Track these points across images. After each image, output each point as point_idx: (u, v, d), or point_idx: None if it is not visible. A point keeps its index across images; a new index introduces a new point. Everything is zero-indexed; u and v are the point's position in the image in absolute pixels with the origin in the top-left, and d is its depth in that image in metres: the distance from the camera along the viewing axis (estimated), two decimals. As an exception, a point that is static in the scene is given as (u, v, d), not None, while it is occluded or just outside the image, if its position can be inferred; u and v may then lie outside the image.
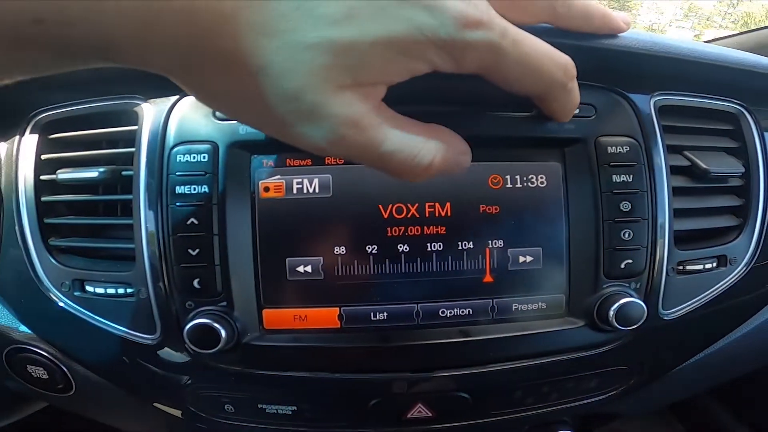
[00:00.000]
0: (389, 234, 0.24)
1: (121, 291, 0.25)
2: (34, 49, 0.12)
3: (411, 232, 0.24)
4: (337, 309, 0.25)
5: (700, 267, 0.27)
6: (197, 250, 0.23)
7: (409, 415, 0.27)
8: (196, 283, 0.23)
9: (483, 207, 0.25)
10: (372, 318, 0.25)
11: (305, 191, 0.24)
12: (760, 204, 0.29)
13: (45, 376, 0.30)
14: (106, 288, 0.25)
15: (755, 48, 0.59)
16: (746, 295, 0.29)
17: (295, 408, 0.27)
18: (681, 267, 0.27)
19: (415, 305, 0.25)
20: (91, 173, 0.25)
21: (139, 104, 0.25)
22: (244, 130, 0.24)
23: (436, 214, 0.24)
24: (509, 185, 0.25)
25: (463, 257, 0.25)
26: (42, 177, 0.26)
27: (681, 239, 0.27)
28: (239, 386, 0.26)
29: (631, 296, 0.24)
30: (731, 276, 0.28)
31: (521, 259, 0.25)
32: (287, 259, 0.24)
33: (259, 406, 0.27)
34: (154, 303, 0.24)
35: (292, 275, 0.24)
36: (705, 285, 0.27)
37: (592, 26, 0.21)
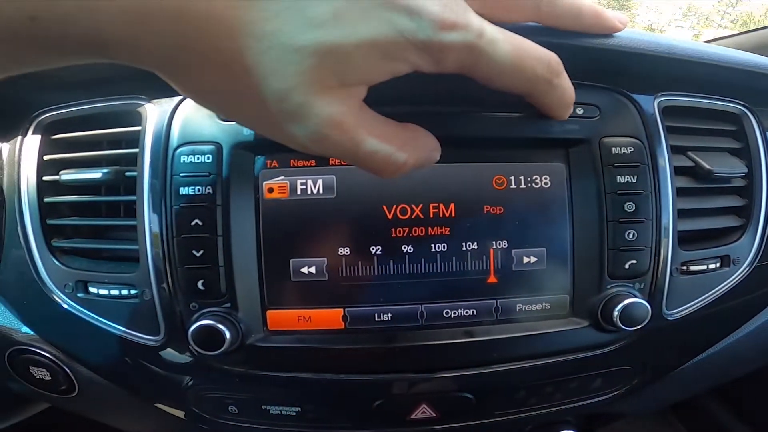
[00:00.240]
0: (393, 235, 0.24)
1: (124, 292, 0.25)
2: (28, 45, 0.13)
3: (415, 232, 0.24)
4: (342, 310, 0.25)
5: (704, 267, 0.27)
6: (201, 252, 0.23)
7: (413, 416, 0.27)
8: (200, 284, 0.23)
9: (487, 208, 0.25)
10: (376, 319, 0.25)
11: (309, 192, 0.24)
12: (763, 204, 0.29)
13: (48, 378, 0.30)
14: (109, 289, 0.25)
15: (755, 48, 0.59)
16: (749, 294, 0.29)
17: (300, 409, 0.27)
18: (685, 267, 0.27)
19: (420, 306, 0.25)
20: (95, 174, 0.25)
21: (143, 105, 0.25)
22: (248, 131, 0.24)
23: (441, 215, 0.24)
24: (513, 186, 0.25)
25: (467, 258, 0.25)
26: (45, 178, 0.26)
27: (684, 239, 0.27)
28: (243, 387, 0.26)
29: (635, 296, 0.24)
30: (734, 276, 0.28)
31: (525, 259, 0.25)
32: (291, 260, 0.24)
33: (263, 407, 0.27)
34: (158, 304, 0.24)
35: (296, 276, 0.24)
36: (708, 285, 0.27)
37: (583, 25, 0.21)
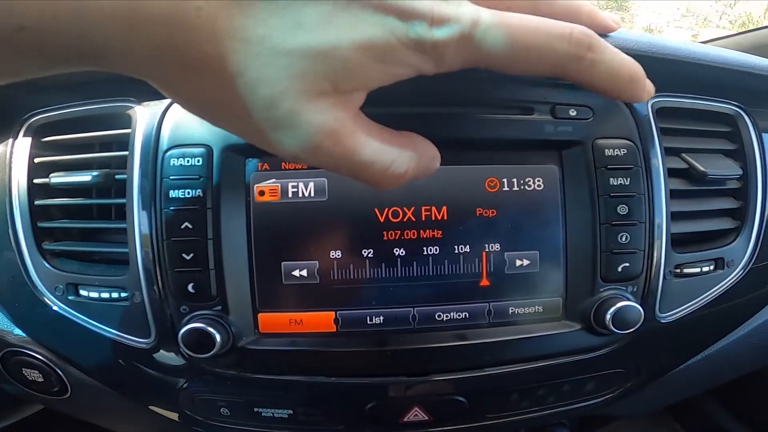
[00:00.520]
0: (385, 238, 0.24)
1: (115, 295, 0.25)
2: (16, 55, 0.13)
3: (407, 235, 0.24)
4: (333, 313, 0.25)
5: (698, 270, 0.27)
6: (191, 255, 0.23)
7: (405, 419, 0.27)
8: (190, 287, 0.23)
9: (480, 210, 0.25)
10: (368, 322, 0.25)
11: (300, 195, 0.24)
12: (757, 206, 0.28)
13: (40, 379, 0.29)
14: (100, 292, 0.25)
15: (751, 48, 0.59)
16: (743, 297, 0.29)
17: (291, 412, 0.27)
18: (678, 270, 0.26)
19: (412, 309, 0.25)
20: (85, 177, 0.25)
21: (133, 107, 0.25)
22: None
23: (433, 218, 0.24)
24: (506, 188, 0.25)
25: (460, 261, 0.25)
26: (35, 180, 0.26)
27: (678, 242, 0.27)
28: (235, 390, 0.26)
29: (628, 300, 0.24)
30: (728, 279, 0.28)
31: (518, 262, 0.25)
32: (282, 263, 0.24)
33: (255, 409, 0.27)
34: (148, 307, 0.24)
35: (287, 279, 0.24)
36: (702, 288, 0.27)
37: (579, 24, 0.21)
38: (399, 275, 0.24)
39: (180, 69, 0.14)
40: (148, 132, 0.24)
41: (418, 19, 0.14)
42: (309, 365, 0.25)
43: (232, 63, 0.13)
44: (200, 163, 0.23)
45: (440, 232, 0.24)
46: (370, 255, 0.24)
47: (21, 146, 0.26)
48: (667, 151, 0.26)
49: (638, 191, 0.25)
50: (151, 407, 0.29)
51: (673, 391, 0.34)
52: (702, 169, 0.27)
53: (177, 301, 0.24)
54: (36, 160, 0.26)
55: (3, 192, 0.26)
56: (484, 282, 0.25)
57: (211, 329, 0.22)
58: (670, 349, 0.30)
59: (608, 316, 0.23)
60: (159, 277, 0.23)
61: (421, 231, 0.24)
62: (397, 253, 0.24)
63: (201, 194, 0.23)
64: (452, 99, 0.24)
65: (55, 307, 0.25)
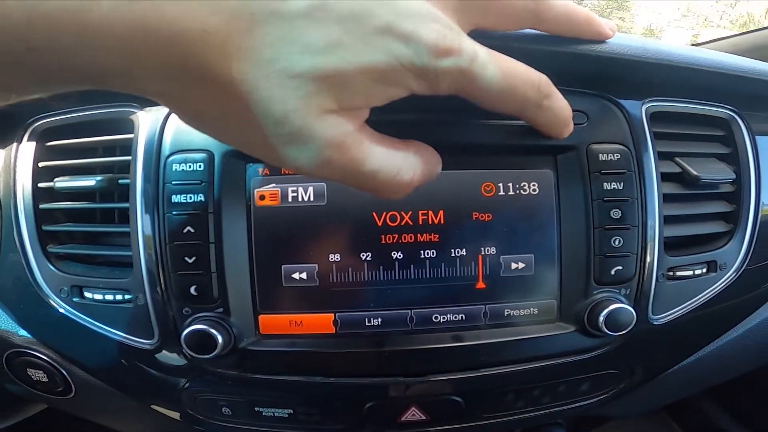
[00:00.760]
0: (383, 241, 0.25)
1: (119, 297, 0.25)
2: (26, 74, 0.13)
3: (405, 239, 0.25)
4: (332, 315, 0.25)
5: (690, 273, 0.27)
6: (194, 258, 0.23)
7: (403, 419, 0.28)
8: (192, 289, 0.24)
9: (476, 214, 0.25)
10: (366, 323, 0.25)
11: (300, 199, 0.24)
12: (750, 210, 0.29)
13: (45, 379, 0.30)
14: (104, 294, 0.25)
15: (750, 49, 0.59)
16: (736, 299, 0.30)
17: (292, 411, 0.27)
18: (671, 273, 0.27)
19: (409, 311, 0.25)
20: (89, 182, 0.25)
21: (135, 113, 0.26)
22: None
23: (430, 222, 0.25)
24: (502, 193, 0.25)
25: (456, 264, 0.25)
26: (40, 184, 0.27)
27: (671, 245, 0.27)
28: (236, 390, 0.27)
29: (621, 302, 0.24)
30: (721, 281, 0.28)
31: (513, 265, 0.25)
32: (283, 266, 0.25)
33: (256, 409, 0.27)
34: (151, 309, 0.25)
35: (287, 282, 0.25)
36: (695, 290, 0.28)
37: (576, 30, 0.22)
38: (397, 278, 0.25)
39: (189, 89, 0.14)
40: (151, 137, 0.24)
41: (423, 47, 0.14)
42: (308, 366, 0.25)
43: (243, 84, 0.13)
44: (202, 168, 0.23)
45: (437, 235, 0.25)
46: (368, 258, 0.25)
47: (25, 150, 0.27)
48: (661, 156, 0.27)
49: (631, 196, 0.25)
50: (154, 406, 0.30)
51: (668, 391, 0.34)
52: (695, 173, 0.27)
53: (180, 303, 0.24)
54: (40, 165, 0.27)
55: (8, 196, 0.27)
56: (480, 284, 0.25)
57: (213, 331, 0.23)
58: (664, 351, 0.30)
59: (601, 318, 0.24)
60: (162, 280, 0.24)
61: (419, 235, 0.25)
62: (394, 256, 0.25)
63: (203, 199, 0.23)
64: (448, 105, 0.24)
65: (60, 309, 0.26)
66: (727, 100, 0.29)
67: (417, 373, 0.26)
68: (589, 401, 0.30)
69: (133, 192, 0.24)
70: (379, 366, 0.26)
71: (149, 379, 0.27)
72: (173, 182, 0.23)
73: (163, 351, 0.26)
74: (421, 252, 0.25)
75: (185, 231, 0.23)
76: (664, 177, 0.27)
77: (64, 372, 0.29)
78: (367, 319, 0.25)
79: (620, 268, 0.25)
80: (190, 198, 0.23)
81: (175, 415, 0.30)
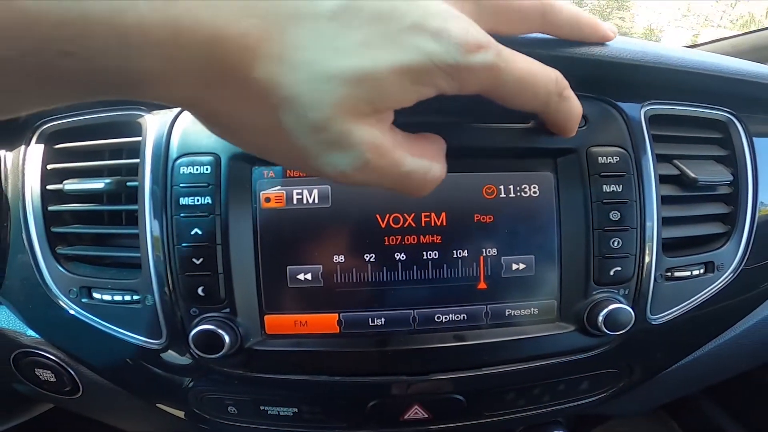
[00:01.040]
0: (386, 243, 0.25)
1: (127, 298, 0.26)
2: (56, 81, 0.12)
3: (408, 240, 0.25)
4: (337, 315, 0.25)
5: (688, 273, 0.28)
6: (201, 259, 0.24)
7: (406, 417, 0.28)
8: (200, 290, 0.24)
9: (477, 216, 0.25)
10: (370, 323, 0.26)
11: (305, 202, 0.25)
12: (748, 211, 0.29)
13: (53, 379, 0.30)
14: (113, 295, 0.26)
15: (750, 50, 0.59)
16: (733, 300, 0.30)
17: (296, 410, 0.28)
18: (669, 273, 0.27)
19: (412, 311, 0.26)
20: (97, 184, 0.26)
21: (143, 116, 0.26)
22: None
23: (432, 224, 0.25)
24: (503, 195, 0.26)
25: (458, 265, 0.26)
26: (48, 187, 0.27)
27: (669, 246, 0.28)
28: (242, 389, 0.27)
29: (620, 302, 0.25)
30: (718, 282, 0.29)
31: (514, 266, 0.26)
32: (288, 267, 0.25)
33: (261, 407, 0.28)
34: (159, 310, 0.25)
35: (292, 282, 0.25)
36: (693, 291, 0.28)
37: (582, 34, 0.22)
38: (400, 278, 0.25)
39: (225, 97, 0.14)
40: (159, 140, 0.25)
41: (454, 44, 0.14)
42: (313, 365, 0.26)
43: (279, 89, 0.13)
44: (209, 171, 0.24)
45: (439, 237, 0.25)
46: (371, 259, 0.25)
47: (34, 153, 0.27)
48: (659, 158, 0.27)
49: (630, 198, 0.25)
50: (159, 405, 0.30)
51: (666, 390, 0.35)
52: (693, 175, 0.27)
53: (187, 303, 0.24)
54: (49, 167, 0.27)
55: (17, 197, 0.27)
56: (482, 285, 0.26)
57: (220, 331, 0.23)
58: (662, 350, 0.30)
59: (600, 318, 0.24)
60: (170, 281, 0.24)
61: (421, 236, 0.25)
62: (397, 258, 0.25)
63: (210, 201, 0.24)
64: (451, 109, 0.25)
65: (70, 310, 0.26)
66: (725, 102, 0.30)
67: (419, 372, 0.26)
68: (589, 400, 0.30)
69: (142, 194, 0.25)
70: (382, 365, 0.26)
71: (155, 379, 0.28)
72: (181, 185, 0.24)
73: (170, 351, 0.26)
74: (424, 253, 0.25)
75: (193, 233, 0.24)
76: (663, 179, 0.27)
77: (71, 372, 0.30)
78: (370, 319, 0.26)
79: (619, 268, 0.25)
80: (198, 200, 0.24)
81: (181, 414, 0.30)
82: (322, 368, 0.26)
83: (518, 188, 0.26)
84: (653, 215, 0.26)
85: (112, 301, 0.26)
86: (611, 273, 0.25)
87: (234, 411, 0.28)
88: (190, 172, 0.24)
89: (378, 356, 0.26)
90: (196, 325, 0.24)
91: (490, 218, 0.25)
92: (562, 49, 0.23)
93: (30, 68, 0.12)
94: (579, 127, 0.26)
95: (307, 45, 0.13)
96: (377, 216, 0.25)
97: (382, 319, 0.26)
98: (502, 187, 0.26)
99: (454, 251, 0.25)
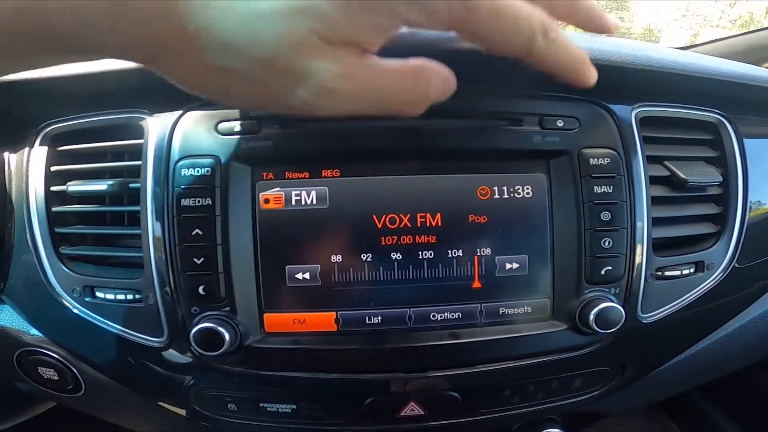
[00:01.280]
0: (383, 243, 0.26)
1: (129, 297, 0.26)
2: (14, 39, 0.14)
3: (403, 240, 0.26)
4: (334, 313, 0.26)
5: (678, 273, 0.28)
6: (202, 259, 0.24)
7: (402, 413, 0.29)
8: (201, 289, 0.25)
9: (472, 217, 0.26)
10: (367, 322, 0.26)
11: (303, 203, 0.25)
12: (738, 212, 0.30)
13: (55, 378, 0.31)
14: (115, 294, 0.26)
15: (746, 50, 0.60)
16: (725, 298, 0.31)
17: (295, 406, 0.28)
18: (659, 273, 0.28)
19: (408, 309, 0.26)
20: (100, 186, 0.26)
21: (145, 118, 0.27)
22: (245, 144, 0.25)
23: (428, 224, 0.26)
24: (497, 196, 0.26)
25: (453, 264, 0.26)
26: (52, 188, 0.27)
27: (660, 246, 0.28)
28: (242, 386, 0.28)
29: (611, 301, 0.25)
30: (708, 281, 0.29)
31: (508, 266, 0.26)
32: (287, 267, 0.26)
33: (261, 404, 0.28)
34: (161, 308, 0.26)
35: (291, 282, 0.26)
36: (683, 290, 0.29)
37: (590, 22, 0.20)
38: (396, 278, 0.26)
39: (170, 53, 0.14)
40: (160, 142, 0.25)
41: None
42: (311, 362, 0.26)
43: (215, 32, 0.14)
44: (209, 173, 0.24)
45: (434, 237, 0.26)
46: (368, 259, 0.26)
47: (37, 155, 0.28)
48: (650, 159, 0.28)
49: (620, 199, 0.26)
50: (161, 403, 0.31)
51: (660, 388, 0.35)
52: (683, 176, 0.28)
53: (188, 302, 0.25)
54: (52, 169, 0.28)
55: (21, 199, 0.28)
56: (476, 284, 0.26)
57: (220, 328, 0.24)
58: (654, 348, 0.31)
59: (592, 316, 0.25)
60: (171, 280, 0.25)
61: (417, 236, 0.26)
62: (394, 257, 0.26)
63: (210, 202, 0.24)
64: (446, 112, 0.26)
65: (73, 309, 0.27)
66: (716, 104, 0.30)
67: (416, 370, 0.27)
68: (582, 397, 0.31)
69: (144, 196, 0.25)
70: (379, 363, 0.27)
71: (156, 377, 0.28)
72: (182, 186, 0.24)
73: (171, 349, 0.27)
74: (420, 253, 0.26)
75: (194, 233, 0.24)
76: (653, 180, 0.28)
77: (74, 370, 0.30)
78: (367, 318, 0.26)
79: (610, 268, 0.26)
80: (199, 201, 0.24)
81: (182, 412, 0.31)
82: (320, 366, 0.27)
83: (512, 189, 0.26)
84: (643, 216, 0.27)
85: (115, 300, 0.26)
86: (602, 272, 0.26)
87: (234, 408, 0.29)
88: (192, 174, 0.25)
89: (375, 354, 0.26)
90: (196, 324, 0.24)
91: (484, 219, 0.26)
92: None
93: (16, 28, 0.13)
94: (571, 129, 0.27)
95: None
96: (374, 217, 0.26)
97: (379, 318, 0.26)
98: (495, 188, 0.26)
99: (449, 251, 0.26)
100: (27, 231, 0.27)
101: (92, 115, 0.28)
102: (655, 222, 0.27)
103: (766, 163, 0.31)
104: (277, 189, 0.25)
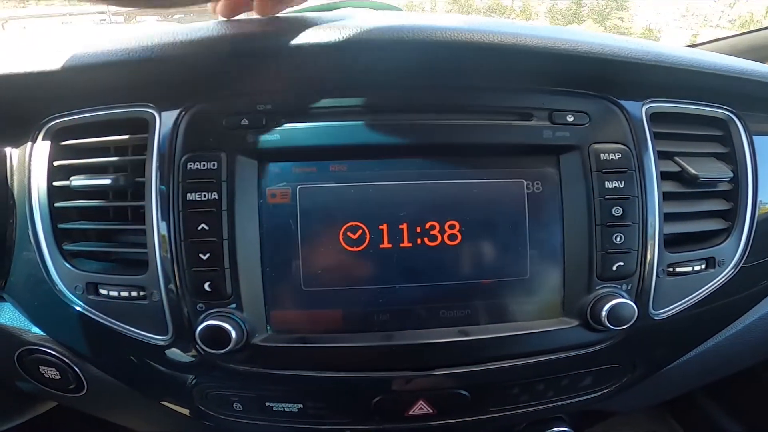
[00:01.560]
0: (392, 240, 0.25)
1: (134, 294, 0.26)
2: None
3: (413, 237, 0.25)
4: (342, 311, 0.26)
5: (689, 269, 0.28)
6: (208, 255, 0.24)
7: (411, 412, 0.28)
8: (206, 286, 0.24)
9: (481, 213, 0.26)
10: (375, 319, 0.26)
11: (310, 198, 0.25)
12: (748, 207, 0.30)
13: (57, 377, 0.30)
14: (119, 291, 0.26)
15: (747, 50, 0.60)
16: (735, 295, 0.30)
17: (302, 405, 0.28)
18: (671, 269, 0.28)
19: (417, 307, 0.26)
20: (105, 180, 0.26)
21: (149, 113, 0.26)
22: (251, 138, 0.24)
23: (437, 222, 0.25)
24: (507, 191, 0.26)
25: (462, 261, 0.26)
26: (55, 183, 0.27)
27: (671, 242, 0.28)
28: (248, 385, 0.27)
29: (623, 297, 0.25)
30: (720, 277, 0.29)
31: (518, 261, 0.26)
32: (294, 263, 0.25)
33: (267, 404, 0.28)
34: (166, 305, 0.25)
35: (298, 279, 0.25)
36: (694, 286, 0.28)
37: None
38: (405, 276, 0.25)
39: None
40: (165, 137, 0.25)
41: None
42: (318, 361, 0.26)
43: None
44: (215, 167, 0.24)
45: (445, 234, 0.25)
46: (377, 256, 0.25)
47: (40, 150, 0.27)
48: (661, 155, 0.28)
49: (632, 194, 0.26)
50: (163, 403, 0.30)
51: (669, 386, 0.35)
52: (694, 172, 0.28)
53: (194, 299, 0.25)
54: (55, 164, 0.27)
55: (22, 194, 0.27)
56: (486, 281, 0.26)
57: (226, 326, 0.23)
58: (665, 346, 0.31)
59: (604, 313, 0.25)
60: (177, 277, 0.24)
61: (426, 234, 0.25)
62: (403, 255, 0.25)
63: (216, 197, 0.24)
64: (456, 108, 0.25)
65: (76, 307, 0.26)
66: (725, 100, 0.30)
67: (424, 368, 0.27)
68: (592, 395, 0.30)
69: (149, 191, 0.25)
70: (387, 361, 0.26)
71: (160, 376, 0.28)
72: (187, 181, 0.24)
73: (175, 347, 0.26)
74: (429, 250, 0.25)
75: (199, 228, 0.24)
76: (664, 176, 0.27)
77: (76, 369, 0.30)
78: (375, 315, 0.26)
79: (621, 263, 0.26)
80: (204, 196, 0.24)
81: (185, 412, 0.30)
82: (328, 364, 0.26)
83: (522, 185, 0.26)
84: (655, 211, 0.26)
85: (119, 297, 0.26)
86: (614, 268, 0.26)
87: (239, 407, 0.29)
88: (197, 168, 0.24)
89: (383, 352, 0.26)
90: (202, 321, 0.24)
91: (494, 214, 0.26)
92: (564, 47, 0.23)
93: None
94: (582, 125, 0.26)
95: None
96: (383, 215, 0.25)
97: (387, 315, 0.26)
98: (506, 184, 0.26)
99: (458, 247, 0.26)
100: (29, 227, 0.27)
101: (96, 109, 0.27)
102: (666, 218, 0.27)
103: (776, 160, 0.31)
104: (284, 183, 0.25)
